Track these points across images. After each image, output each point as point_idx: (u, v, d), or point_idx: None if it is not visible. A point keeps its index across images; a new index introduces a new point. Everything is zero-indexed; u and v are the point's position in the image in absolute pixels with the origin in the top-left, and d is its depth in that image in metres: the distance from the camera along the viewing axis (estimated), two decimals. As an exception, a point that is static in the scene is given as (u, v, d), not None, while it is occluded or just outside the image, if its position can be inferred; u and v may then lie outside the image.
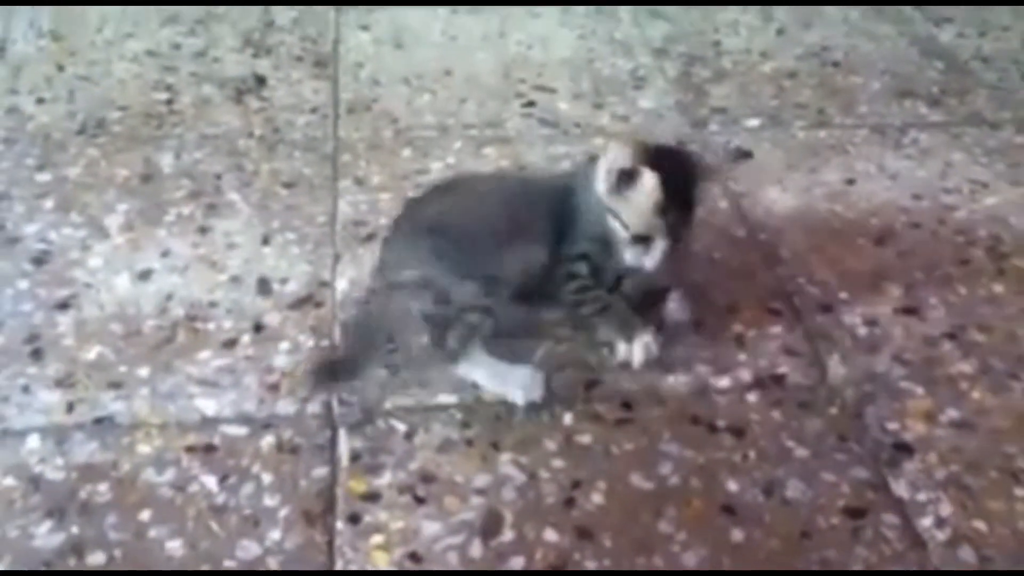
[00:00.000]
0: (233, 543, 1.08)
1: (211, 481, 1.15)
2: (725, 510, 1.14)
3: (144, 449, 1.18)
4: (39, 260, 1.45)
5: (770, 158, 1.74)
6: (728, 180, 1.63)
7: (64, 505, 1.11)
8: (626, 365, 1.28)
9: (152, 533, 1.09)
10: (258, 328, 1.35)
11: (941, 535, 1.12)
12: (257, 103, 1.83)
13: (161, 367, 1.29)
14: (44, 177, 1.62)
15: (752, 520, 1.13)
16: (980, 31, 2.17)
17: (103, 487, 1.14)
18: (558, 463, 1.18)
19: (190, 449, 1.18)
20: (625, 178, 1.21)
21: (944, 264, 1.51)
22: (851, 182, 1.69)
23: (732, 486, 1.16)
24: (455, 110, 1.83)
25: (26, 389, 1.25)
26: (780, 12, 2.21)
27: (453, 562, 1.07)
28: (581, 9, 2.17)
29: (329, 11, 2.12)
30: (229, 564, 1.06)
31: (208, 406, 1.24)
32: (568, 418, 1.24)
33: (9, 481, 1.14)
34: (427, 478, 1.16)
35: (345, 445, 1.19)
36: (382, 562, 1.07)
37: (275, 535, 1.09)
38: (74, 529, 1.09)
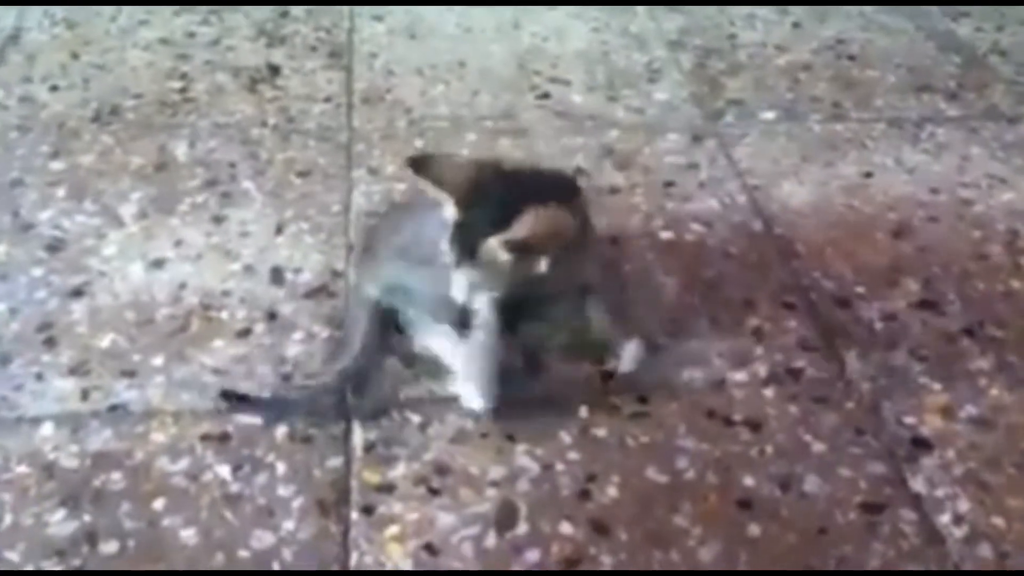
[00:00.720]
0: (247, 532, 1.08)
1: (225, 470, 1.14)
2: (741, 505, 1.13)
3: (158, 437, 1.18)
4: (53, 248, 1.45)
5: (786, 151, 1.73)
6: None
7: (78, 493, 1.11)
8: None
9: (166, 522, 1.09)
10: (272, 317, 1.34)
11: (959, 531, 1.11)
12: (271, 92, 1.82)
13: (175, 355, 1.28)
14: (58, 165, 1.62)
15: (768, 515, 1.12)
16: (998, 25, 2.16)
17: (117, 475, 1.13)
18: (573, 455, 1.18)
19: (204, 438, 1.18)
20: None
21: (962, 259, 1.50)
22: (868, 176, 1.68)
23: (748, 480, 1.16)
24: (469, 101, 1.82)
25: (40, 377, 1.25)
26: (796, 5, 2.19)
27: (468, 554, 1.07)
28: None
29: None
30: (243, 554, 1.06)
31: (222, 395, 1.23)
32: (584, 411, 1.23)
33: (23, 469, 1.14)
34: (442, 469, 1.15)
35: (359, 436, 1.19)
36: (396, 553, 1.07)
37: (289, 525, 1.09)
38: (87, 517, 1.09)
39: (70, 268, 1.41)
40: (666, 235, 1.52)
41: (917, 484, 1.16)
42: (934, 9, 2.20)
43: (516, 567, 1.06)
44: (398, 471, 1.15)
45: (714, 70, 1.96)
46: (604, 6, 2.14)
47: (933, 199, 1.63)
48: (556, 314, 1.29)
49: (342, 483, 1.13)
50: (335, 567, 1.05)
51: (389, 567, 1.05)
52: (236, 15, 2.05)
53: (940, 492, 1.15)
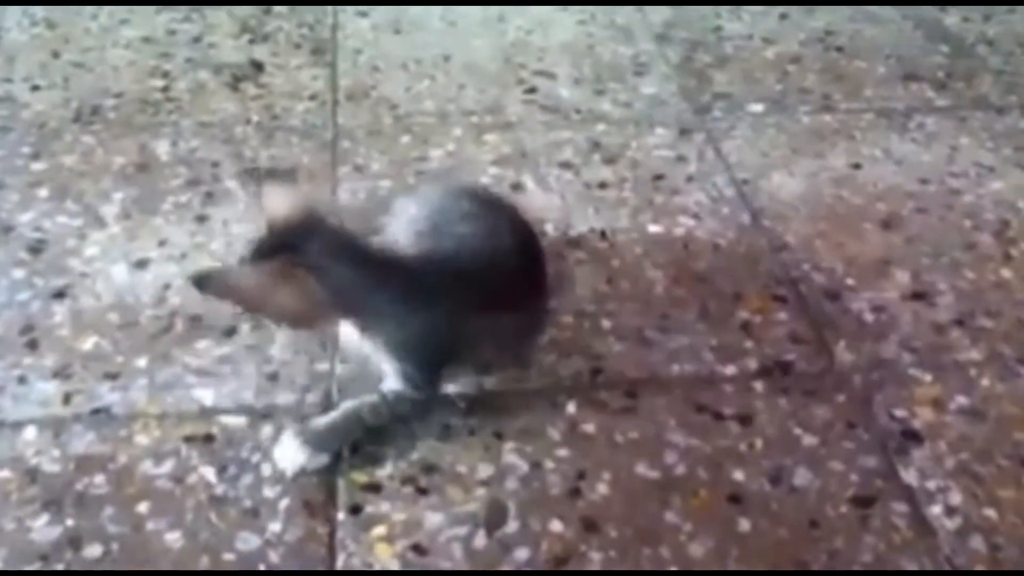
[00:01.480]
0: (233, 535, 1.07)
1: (210, 472, 1.13)
2: (732, 499, 1.12)
3: (142, 440, 1.16)
4: (35, 249, 1.43)
5: (775, 143, 1.72)
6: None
7: (61, 497, 1.10)
8: None
9: (150, 525, 1.07)
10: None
11: (951, 524, 1.10)
12: (254, 90, 1.80)
13: (159, 357, 1.27)
14: (39, 165, 1.60)
15: (759, 509, 1.11)
16: (985, 14, 2.15)
17: (100, 479, 1.12)
18: (562, 452, 1.17)
19: (188, 440, 1.16)
20: None
21: (951, 249, 1.50)
22: (857, 167, 1.67)
23: (739, 475, 1.15)
24: (455, 96, 1.81)
25: (22, 380, 1.23)
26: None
27: (457, 554, 1.05)
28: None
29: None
30: (229, 556, 1.05)
31: (206, 396, 1.22)
32: (572, 407, 1.22)
33: (5, 473, 1.12)
34: (429, 468, 1.14)
35: (346, 435, 1.18)
36: (384, 554, 1.05)
37: (275, 527, 1.08)
38: (71, 522, 1.07)
39: (52, 270, 1.40)
40: (655, 229, 1.51)
41: (908, 476, 1.15)
42: (921, -1, 2.20)
43: (506, 566, 1.05)
44: (385, 470, 1.14)
45: (701, 63, 1.95)
46: (589, 4, 2.12)
47: (922, 189, 1.62)
48: None
49: (329, 483, 1.12)
50: (321, 568, 1.04)
51: (377, 568, 1.04)
52: (218, 12, 2.03)
53: (931, 484, 1.15)
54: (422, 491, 1.12)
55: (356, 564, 1.04)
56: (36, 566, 1.03)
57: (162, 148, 1.65)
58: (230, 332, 1.30)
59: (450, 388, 1.23)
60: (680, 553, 1.06)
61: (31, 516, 1.08)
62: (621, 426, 1.20)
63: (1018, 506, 1.12)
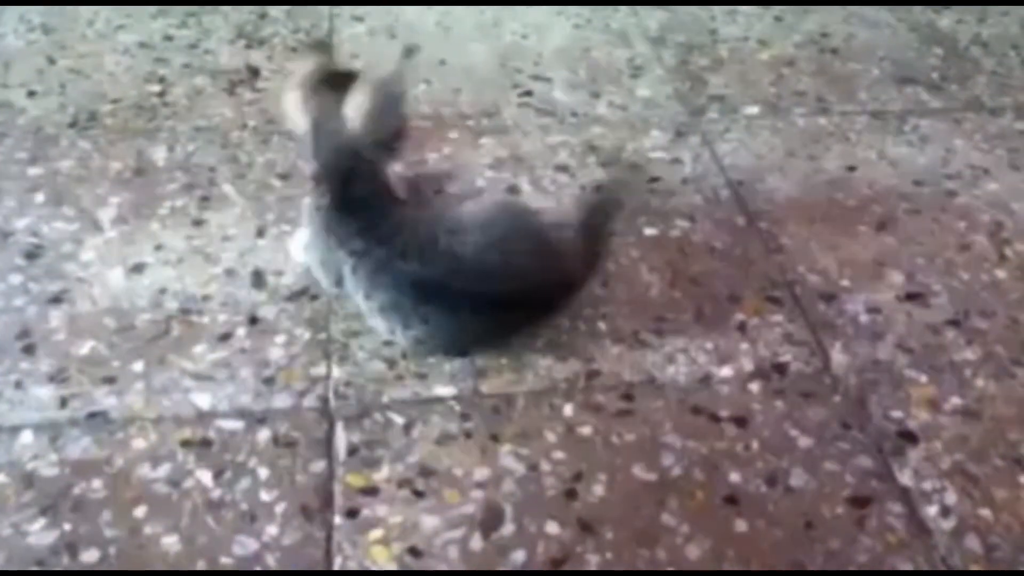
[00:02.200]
0: (230, 539, 1.07)
1: (207, 476, 1.13)
2: (728, 501, 1.12)
3: (139, 444, 1.16)
4: (31, 254, 1.43)
5: (770, 146, 1.72)
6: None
7: (58, 502, 1.10)
8: None
9: (147, 530, 1.07)
10: (253, 321, 1.33)
11: (946, 524, 1.11)
12: (251, 95, 1.81)
13: (155, 361, 1.27)
14: (36, 171, 1.60)
15: (756, 511, 1.11)
16: (979, 17, 2.16)
17: (97, 483, 1.12)
18: (559, 455, 1.17)
19: (185, 444, 1.17)
20: None
21: (946, 250, 1.50)
22: (852, 169, 1.67)
23: (735, 477, 1.15)
24: (451, 100, 1.81)
25: (19, 385, 1.23)
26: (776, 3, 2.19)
27: (453, 556, 1.06)
28: (577, -2, 2.15)
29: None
30: (226, 560, 1.05)
31: (203, 400, 1.22)
32: (568, 409, 1.22)
33: (2, 478, 1.12)
34: (426, 471, 1.14)
35: (342, 439, 1.18)
36: (381, 557, 1.05)
37: (272, 530, 1.08)
38: (67, 526, 1.07)
39: (49, 275, 1.40)
40: (650, 231, 1.51)
41: (904, 477, 1.16)
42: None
43: (502, 568, 1.05)
44: (382, 474, 1.14)
45: (696, 66, 1.95)
46: (585, 5, 2.13)
47: (917, 191, 1.63)
48: None
49: (325, 487, 1.12)
50: (319, 572, 1.04)
51: (373, 571, 1.04)
52: (215, 17, 2.04)
53: (927, 485, 1.15)
54: (419, 494, 1.12)
55: (353, 567, 1.05)
56: (33, 571, 1.03)
57: (159, 153, 1.65)
58: (226, 336, 1.31)
59: (446, 391, 1.23)
60: (677, 554, 1.06)
61: (28, 521, 1.08)
62: (617, 428, 1.20)
63: (1013, 506, 1.13)
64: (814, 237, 1.51)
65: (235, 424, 1.19)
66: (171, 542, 1.06)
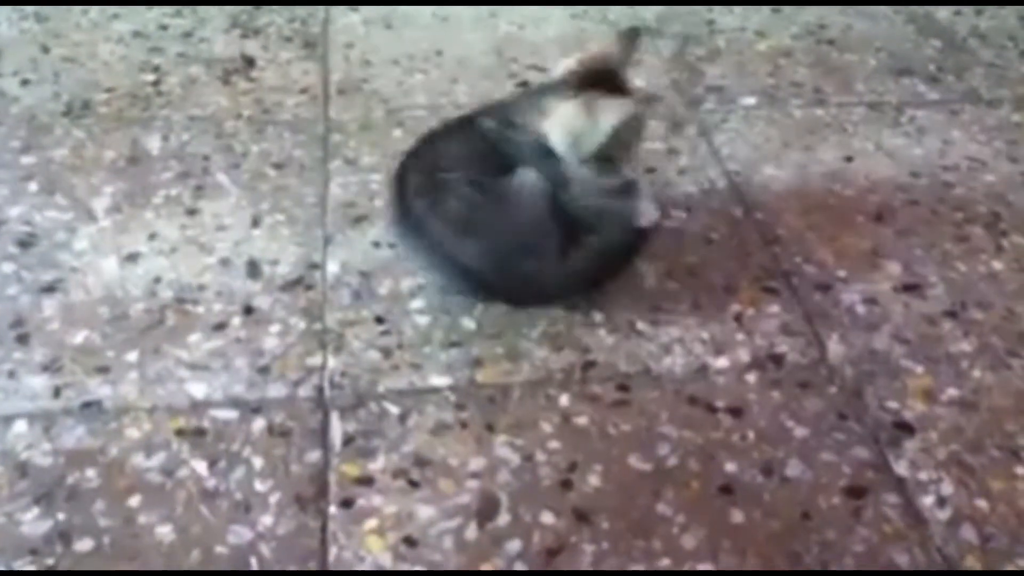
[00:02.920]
0: (224, 528, 1.06)
1: (201, 466, 1.13)
2: (724, 491, 1.12)
3: (133, 434, 1.16)
4: (24, 243, 1.42)
5: (766, 137, 1.72)
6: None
7: (51, 491, 1.09)
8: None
9: (141, 519, 1.07)
10: (248, 311, 1.32)
11: (942, 514, 1.11)
12: (245, 84, 1.80)
13: (149, 351, 1.26)
14: (29, 159, 1.59)
15: (751, 501, 1.11)
16: (977, 8, 2.15)
17: (91, 473, 1.11)
18: (554, 445, 1.16)
19: (180, 433, 1.16)
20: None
21: (943, 242, 1.50)
22: (849, 160, 1.67)
23: (731, 467, 1.15)
24: (447, 90, 1.80)
25: (12, 374, 1.23)
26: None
27: (448, 546, 1.05)
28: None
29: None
30: (220, 550, 1.04)
31: (197, 390, 1.21)
32: (564, 399, 1.22)
33: (-5, 467, 1.12)
34: (421, 461, 1.14)
35: (338, 429, 1.17)
36: (376, 547, 1.05)
37: (267, 520, 1.07)
38: (61, 515, 1.07)
39: (42, 264, 1.39)
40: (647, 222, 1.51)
41: (900, 468, 1.16)
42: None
43: (497, 559, 1.04)
44: (377, 464, 1.13)
45: (693, 56, 1.94)
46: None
47: (914, 182, 1.62)
48: None
49: (320, 477, 1.12)
50: (313, 562, 1.04)
51: (368, 561, 1.04)
52: (209, 7, 2.03)
53: (923, 475, 1.15)
54: (414, 484, 1.11)
55: (348, 557, 1.04)
56: (26, 560, 1.03)
57: (153, 142, 1.64)
58: (221, 326, 1.30)
59: (441, 381, 1.23)
60: (672, 544, 1.06)
61: (21, 510, 1.07)
62: (613, 418, 1.20)
63: (1009, 496, 1.13)
64: (811, 228, 1.51)
65: (230, 414, 1.19)
66: (165, 531, 1.06)
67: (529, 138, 1.27)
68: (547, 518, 1.08)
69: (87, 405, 1.19)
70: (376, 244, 1.43)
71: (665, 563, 1.05)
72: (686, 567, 1.04)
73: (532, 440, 1.17)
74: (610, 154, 1.25)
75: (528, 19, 2.04)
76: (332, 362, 1.25)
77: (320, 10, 2.03)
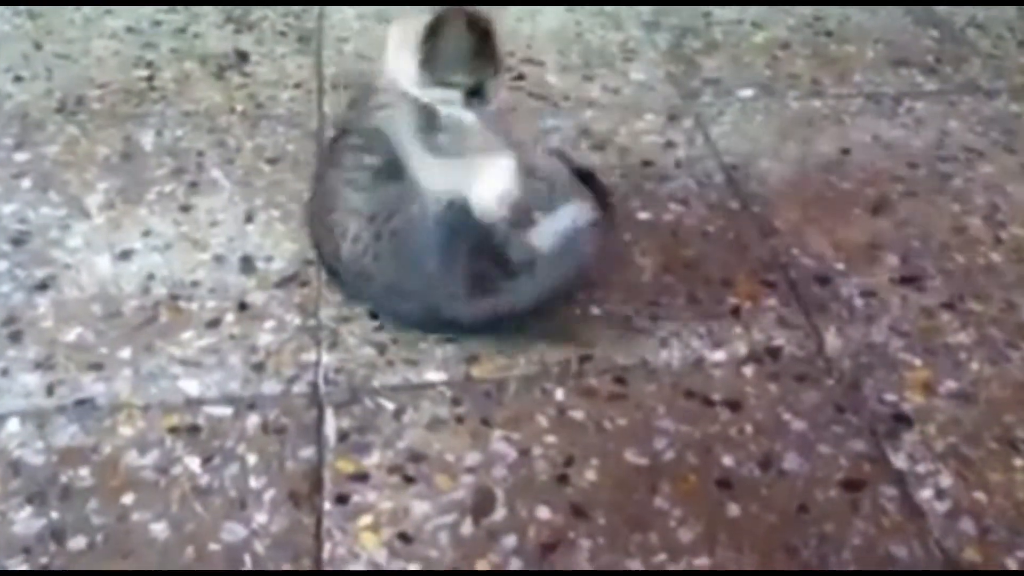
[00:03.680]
0: (218, 526, 1.06)
1: (195, 463, 1.12)
2: (721, 485, 1.11)
3: (126, 431, 1.15)
4: (17, 240, 1.42)
5: (764, 129, 1.71)
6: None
7: (45, 489, 1.09)
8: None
9: (135, 517, 1.06)
10: (242, 307, 1.32)
11: (941, 507, 1.10)
12: (239, 79, 1.79)
13: (143, 348, 1.26)
14: (22, 156, 1.59)
15: (749, 494, 1.10)
16: (975, -1, 2.14)
17: (84, 471, 1.11)
18: (550, 439, 1.16)
19: (173, 430, 1.15)
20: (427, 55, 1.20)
21: (941, 233, 1.49)
22: (846, 152, 1.66)
23: (728, 460, 1.14)
24: (442, 84, 1.79)
25: (5, 372, 1.22)
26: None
27: (444, 542, 1.05)
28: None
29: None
30: (214, 547, 1.04)
31: (191, 387, 1.21)
32: (560, 393, 1.21)
33: (-12, 466, 1.11)
34: (416, 457, 1.13)
35: (332, 425, 1.17)
36: (371, 543, 1.04)
37: (261, 517, 1.07)
38: (55, 514, 1.06)
39: (35, 261, 1.38)
40: (644, 215, 1.50)
41: (898, 460, 1.15)
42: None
43: (493, 554, 1.04)
44: (372, 459, 1.13)
45: (690, 48, 1.93)
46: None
47: (912, 174, 1.62)
48: None
49: (315, 473, 1.11)
50: (307, 559, 1.03)
51: (363, 557, 1.03)
52: (203, 4, 2.02)
53: (921, 468, 1.14)
54: (409, 479, 1.11)
55: (342, 554, 1.04)
56: (19, 559, 1.02)
57: (147, 138, 1.63)
58: (215, 322, 1.29)
59: (437, 376, 1.22)
60: (669, 539, 1.06)
61: (14, 508, 1.07)
62: (610, 412, 1.19)
63: (1008, 489, 1.12)
64: (808, 220, 1.50)
65: (224, 410, 1.18)
66: (159, 529, 1.05)
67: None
68: (543, 513, 1.08)
69: (80, 403, 1.18)
70: (371, 239, 1.42)
71: (662, 557, 1.04)
72: (683, 561, 1.04)
73: (528, 435, 1.16)
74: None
75: (524, 11, 2.02)
76: (327, 358, 1.25)
77: (314, 4, 2.02)
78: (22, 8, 1.98)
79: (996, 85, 1.86)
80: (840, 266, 1.42)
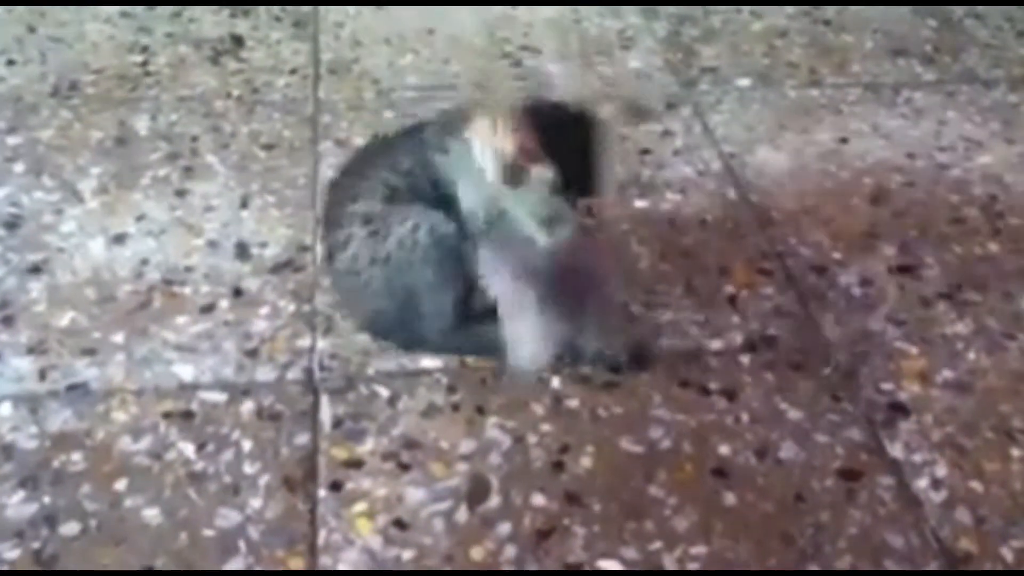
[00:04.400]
0: (212, 511, 1.05)
1: (189, 448, 1.11)
2: (717, 473, 1.11)
3: (119, 416, 1.15)
4: (10, 225, 1.41)
5: (761, 118, 1.70)
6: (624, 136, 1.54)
7: (37, 474, 1.08)
8: None
9: (128, 502, 1.06)
10: (237, 293, 1.31)
11: (937, 496, 1.10)
12: (235, 64, 1.78)
13: (137, 333, 1.25)
14: (15, 140, 1.57)
15: (745, 483, 1.10)
16: (974, -11, 2.13)
17: (77, 456, 1.10)
18: (546, 427, 1.15)
19: (167, 416, 1.15)
20: (515, 172, 1.12)
21: (939, 223, 1.49)
22: (844, 141, 1.66)
23: (724, 449, 1.14)
24: (439, 70, 1.79)
25: (-3, 356, 1.21)
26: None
27: (439, 529, 1.04)
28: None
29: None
30: (208, 533, 1.03)
31: (185, 372, 1.20)
32: (556, 381, 1.21)
33: (-20, 450, 1.10)
34: (411, 444, 1.13)
35: (327, 411, 1.16)
36: (366, 530, 1.04)
37: (256, 503, 1.06)
38: (47, 499, 1.06)
39: (28, 245, 1.37)
40: (641, 204, 1.50)
41: (895, 450, 1.15)
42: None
43: (488, 541, 1.03)
44: (367, 446, 1.12)
45: (688, 37, 1.93)
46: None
47: (910, 164, 1.61)
48: None
49: (309, 460, 1.11)
50: (302, 545, 1.02)
51: (358, 544, 1.03)
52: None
53: (918, 457, 1.14)
54: (404, 467, 1.10)
55: (337, 540, 1.03)
56: (11, 543, 1.01)
57: (141, 123, 1.62)
58: (209, 308, 1.29)
59: (432, 363, 1.22)
60: (664, 527, 1.05)
61: (7, 493, 1.06)
62: (605, 401, 1.19)
63: (1003, 478, 1.12)
64: (806, 210, 1.50)
65: (218, 396, 1.17)
66: (152, 514, 1.05)
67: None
68: (538, 500, 1.07)
69: (73, 387, 1.18)
70: (367, 225, 1.41)
71: (657, 545, 1.04)
72: (678, 549, 1.03)
73: (523, 422, 1.16)
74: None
75: (521, -1, 2.01)
76: (322, 344, 1.24)
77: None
78: (16, -9, 1.96)
79: (994, 75, 1.85)
80: (837, 255, 1.42)
